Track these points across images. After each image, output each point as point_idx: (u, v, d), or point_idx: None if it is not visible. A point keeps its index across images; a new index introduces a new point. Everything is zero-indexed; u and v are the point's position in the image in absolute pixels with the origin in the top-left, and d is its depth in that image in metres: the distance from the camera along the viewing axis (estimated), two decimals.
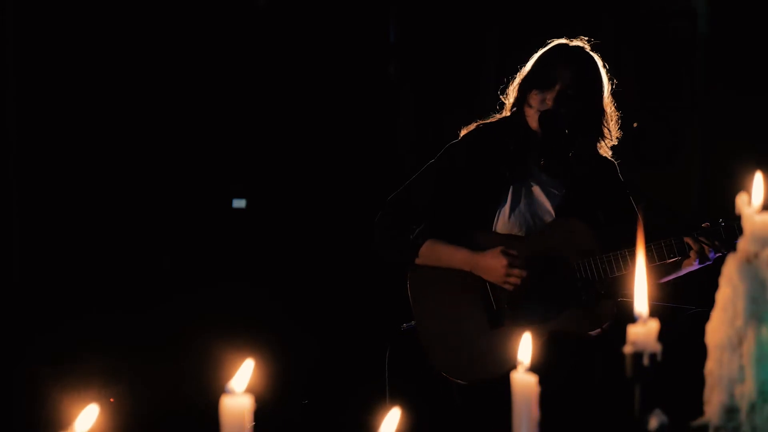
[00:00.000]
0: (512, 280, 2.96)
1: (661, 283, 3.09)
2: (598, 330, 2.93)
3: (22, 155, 4.50)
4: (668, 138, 5.69)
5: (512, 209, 3.10)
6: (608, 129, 3.19)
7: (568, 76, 3.08)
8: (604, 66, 3.24)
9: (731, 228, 2.86)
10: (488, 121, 3.21)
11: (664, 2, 6.22)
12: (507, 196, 3.10)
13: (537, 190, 3.12)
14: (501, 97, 3.27)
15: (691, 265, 2.97)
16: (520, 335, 1.28)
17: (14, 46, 4.45)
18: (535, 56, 3.19)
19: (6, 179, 4.45)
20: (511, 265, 2.95)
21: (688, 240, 2.88)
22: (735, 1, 6.00)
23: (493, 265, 2.99)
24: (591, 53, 3.19)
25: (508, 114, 3.19)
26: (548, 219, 3.08)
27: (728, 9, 6.01)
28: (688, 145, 5.83)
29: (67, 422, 0.99)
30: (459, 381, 2.97)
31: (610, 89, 3.24)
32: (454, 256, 3.06)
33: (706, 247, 2.86)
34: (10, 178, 4.46)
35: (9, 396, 3.80)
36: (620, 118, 3.28)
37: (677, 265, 3.02)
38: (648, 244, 2.89)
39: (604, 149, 3.22)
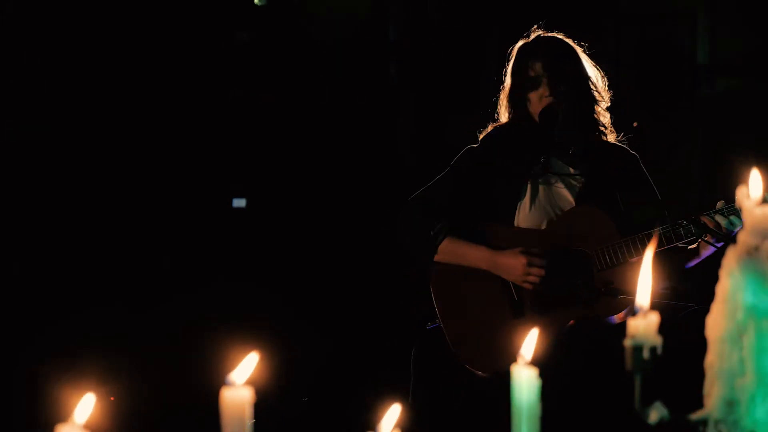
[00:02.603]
0: (531, 279, 2.99)
1: (688, 270, 3.08)
2: (620, 316, 2.94)
3: (22, 153, 4.49)
4: (669, 136, 5.69)
5: (532, 202, 3.15)
6: (600, 104, 3.22)
7: (548, 67, 3.12)
8: (581, 46, 3.28)
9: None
10: (502, 123, 3.26)
11: (665, 2, 6.22)
12: (526, 190, 3.14)
13: (556, 181, 3.16)
14: (495, 114, 3.32)
15: (709, 246, 2.96)
16: (540, 326, 1.28)
17: (11, 45, 4.45)
18: (510, 66, 3.24)
19: (5, 178, 4.45)
20: (530, 264, 2.98)
21: (704, 219, 2.88)
22: (735, 0, 6.00)
23: (512, 264, 3.02)
24: (559, 40, 3.24)
25: (510, 117, 3.23)
26: (568, 209, 3.11)
27: (727, 8, 6.01)
28: (688, 144, 5.83)
29: (67, 417, 0.98)
30: (481, 373, 3.00)
31: (592, 67, 3.27)
32: (473, 255, 3.10)
33: (722, 223, 2.86)
34: (10, 177, 4.46)
35: (9, 396, 3.80)
36: (609, 89, 3.32)
37: (696, 249, 3.02)
38: (665, 227, 2.91)
39: (611, 138, 3.26)
